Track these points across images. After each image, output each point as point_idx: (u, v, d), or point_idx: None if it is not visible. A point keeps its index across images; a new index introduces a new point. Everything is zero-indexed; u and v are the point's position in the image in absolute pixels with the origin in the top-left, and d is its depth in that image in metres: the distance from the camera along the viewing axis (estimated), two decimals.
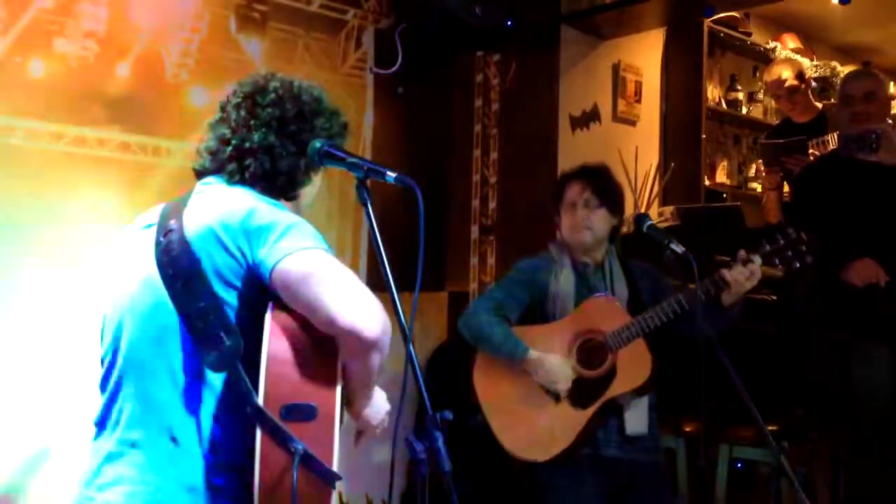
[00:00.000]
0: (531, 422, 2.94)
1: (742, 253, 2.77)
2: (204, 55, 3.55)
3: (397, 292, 1.76)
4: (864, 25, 5.86)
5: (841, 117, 3.61)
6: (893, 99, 6.58)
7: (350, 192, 2.71)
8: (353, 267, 4.04)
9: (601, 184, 3.04)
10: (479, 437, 2.97)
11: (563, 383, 2.89)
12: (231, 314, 1.71)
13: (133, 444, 1.74)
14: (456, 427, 1.70)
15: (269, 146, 1.85)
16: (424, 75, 4.37)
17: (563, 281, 3.01)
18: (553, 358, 2.91)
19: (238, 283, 1.72)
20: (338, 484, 1.66)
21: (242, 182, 1.84)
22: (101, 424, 1.80)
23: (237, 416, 1.67)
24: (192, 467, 1.70)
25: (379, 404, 1.93)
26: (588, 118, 4.84)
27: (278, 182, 1.86)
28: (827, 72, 5.69)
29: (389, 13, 4.28)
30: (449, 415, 1.69)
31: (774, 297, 3.70)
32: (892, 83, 6.82)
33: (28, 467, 3.05)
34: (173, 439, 1.71)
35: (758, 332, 3.50)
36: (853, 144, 3.32)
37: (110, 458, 1.75)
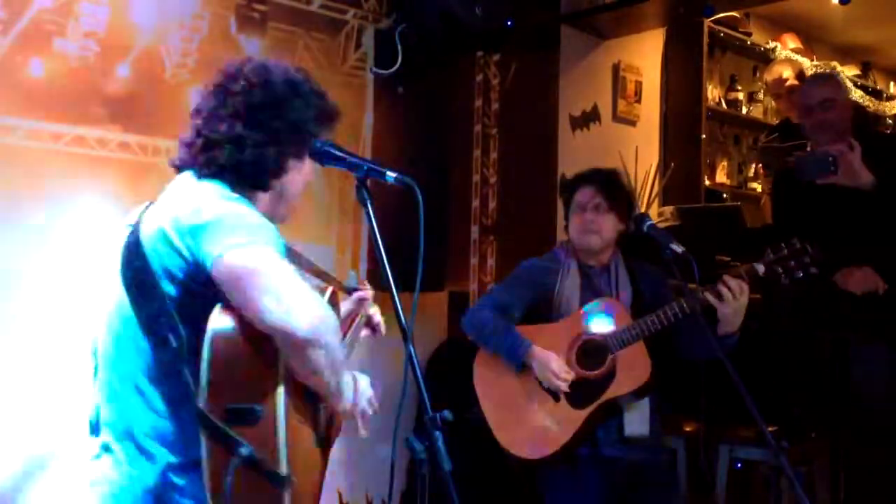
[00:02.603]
0: (529, 419, 2.94)
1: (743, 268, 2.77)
2: (204, 55, 3.55)
3: (397, 292, 1.76)
4: (864, 25, 5.86)
5: (803, 127, 3.53)
6: (893, 99, 6.60)
7: (350, 192, 2.71)
8: (353, 267, 4.04)
9: (612, 189, 3.04)
10: (477, 433, 2.97)
11: (564, 383, 2.89)
12: (183, 313, 1.69)
13: (106, 447, 1.76)
14: (454, 424, 1.69)
15: (236, 136, 1.80)
16: (424, 75, 4.37)
17: (569, 282, 3.02)
18: (555, 357, 2.91)
19: (188, 282, 1.70)
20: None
21: (211, 175, 1.81)
22: (90, 425, 1.82)
23: (194, 416, 1.66)
24: (154, 468, 1.71)
25: (360, 391, 1.89)
26: (588, 118, 4.84)
27: (246, 172, 1.82)
28: (827, 72, 5.68)
29: (389, 13, 4.27)
30: (449, 415, 1.69)
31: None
32: (891, 83, 6.83)
33: (27, 469, 3.05)
34: (136, 441, 1.73)
35: (758, 333, 3.51)
36: (811, 168, 3.18)
37: (93, 458, 1.79)
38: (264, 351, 1.62)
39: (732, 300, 2.68)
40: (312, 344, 1.61)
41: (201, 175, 1.82)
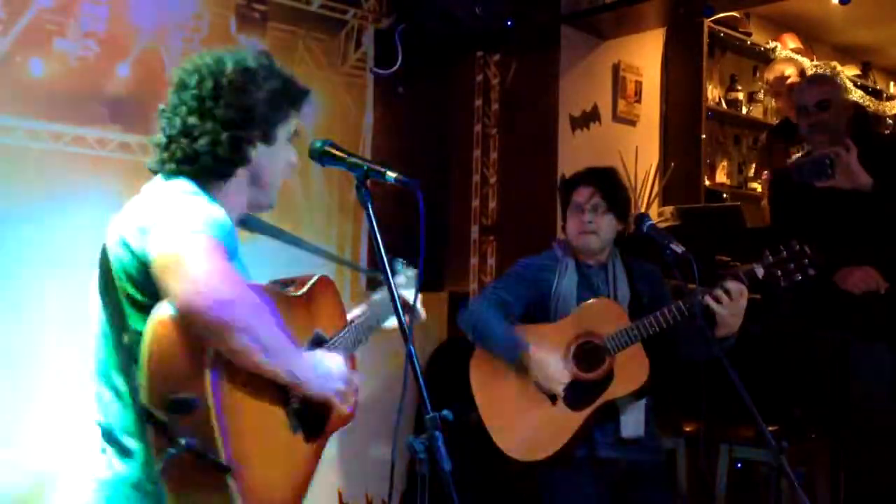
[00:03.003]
0: (526, 422, 2.94)
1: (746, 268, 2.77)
2: None
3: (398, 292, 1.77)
4: (864, 25, 5.86)
5: (800, 128, 3.51)
6: (893, 99, 6.59)
7: (350, 192, 2.71)
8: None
9: (610, 188, 3.03)
10: (475, 436, 2.97)
11: (559, 385, 2.89)
12: (141, 313, 1.71)
13: (100, 443, 1.80)
14: (455, 426, 1.69)
15: (188, 128, 1.83)
16: (424, 75, 4.37)
17: (566, 281, 3.02)
18: (552, 359, 2.91)
19: (143, 282, 1.72)
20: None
21: (174, 172, 1.84)
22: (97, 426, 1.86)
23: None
24: (135, 464, 1.74)
25: (330, 373, 1.84)
26: (588, 118, 4.84)
27: (203, 163, 1.83)
28: (827, 72, 5.68)
29: (389, 13, 4.27)
30: (449, 415, 1.69)
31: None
32: (891, 83, 6.83)
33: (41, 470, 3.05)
34: (118, 440, 1.76)
35: (758, 333, 3.51)
36: (808, 172, 3.17)
37: (97, 454, 1.82)
38: (194, 340, 1.62)
39: (731, 303, 2.68)
40: (224, 327, 1.59)
41: (167, 174, 1.85)
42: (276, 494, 1.76)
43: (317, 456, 1.92)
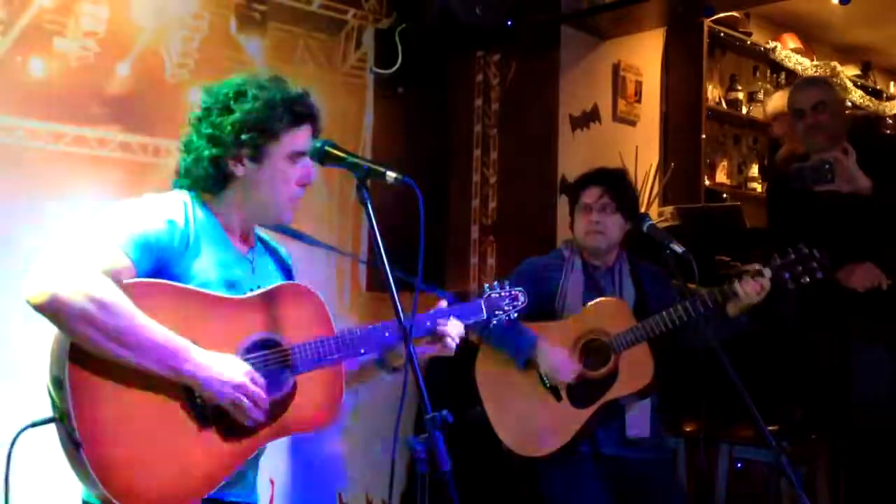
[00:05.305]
0: (530, 418, 2.94)
1: (754, 267, 2.77)
2: (204, 55, 3.55)
3: (397, 292, 1.77)
4: (864, 25, 5.85)
5: (796, 131, 3.49)
6: (893, 99, 6.59)
7: (350, 192, 2.71)
8: (353, 268, 4.03)
9: (619, 189, 3.04)
10: (479, 431, 2.97)
11: (568, 377, 2.89)
12: None
13: None
14: (455, 423, 1.69)
15: (184, 144, 1.98)
16: (424, 75, 4.36)
17: (573, 281, 3.02)
18: (560, 350, 2.91)
19: None
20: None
21: (178, 183, 1.99)
22: None
23: None
24: None
25: (220, 378, 1.80)
26: (588, 118, 4.84)
27: (195, 174, 1.95)
28: (827, 72, 5.68)
29: (389, 13, 4.28)
30: (449, 415, 1.69)
31: None
32: (892, 83, 6.83)
33: None
34: None
35: (757, 333, 3.50)
36: (808, 176, 3.14)
37: None
38: None
39: (755, 295, 2.72)
40: (58, 314, 1.70)
41: (173, 184, 2.00)
42: (142, 479, 1.77)
43: (238, 454, 1.89)
